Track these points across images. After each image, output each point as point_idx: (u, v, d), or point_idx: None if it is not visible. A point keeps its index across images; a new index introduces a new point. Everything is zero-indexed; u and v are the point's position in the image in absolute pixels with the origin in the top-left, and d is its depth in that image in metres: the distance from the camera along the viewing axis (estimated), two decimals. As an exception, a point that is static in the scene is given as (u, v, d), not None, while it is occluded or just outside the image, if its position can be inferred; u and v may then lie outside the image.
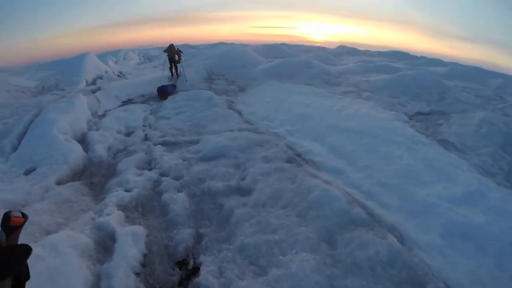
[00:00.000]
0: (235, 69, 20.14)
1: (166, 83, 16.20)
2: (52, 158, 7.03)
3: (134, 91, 15.13)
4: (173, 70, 18.34)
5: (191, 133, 8.89)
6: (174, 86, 15.78)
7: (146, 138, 9.05)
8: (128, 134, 9.49)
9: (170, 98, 13.52)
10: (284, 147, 7.32)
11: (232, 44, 45.06)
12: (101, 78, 19.83)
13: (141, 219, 5.14)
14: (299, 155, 7.15)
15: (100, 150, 7.91)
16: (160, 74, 19.02)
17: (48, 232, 4.52)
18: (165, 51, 17.97)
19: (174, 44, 18.02)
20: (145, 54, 47.26)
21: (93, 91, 13.94)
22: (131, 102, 13.76)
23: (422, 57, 43.98)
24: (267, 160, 6.50)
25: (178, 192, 5.73)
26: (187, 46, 46.66)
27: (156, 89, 14.59)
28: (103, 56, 31.55)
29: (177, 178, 6.23)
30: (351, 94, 13.71)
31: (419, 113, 12.00)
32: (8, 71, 18.78)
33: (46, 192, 5.76)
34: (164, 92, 14.35)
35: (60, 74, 18.83)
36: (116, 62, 33.87)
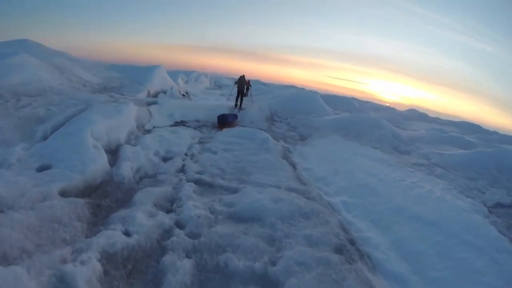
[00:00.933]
0: (300, 114, 19.11)
1: (227, 112, 15.64)
2: (69, 162, 6.26)
3: (190, 113, 14.52)
4: (238, 102, 18.14)
5: (232, 178, 7.68)
6: (235, 116, 15.38)
7: (182, 169, 8.09)
8: (165, 159, 8.63)
9: (225, 130, 12.67)
10: (336, 227, 5.79)
11: (302, 88, 44.53)
12: (164, 92, 19.63)
13: (123, 281, 3.87)
14: (353, 243, 5.56)
15: (126, 169, 7.01)
16: (224, 102, 18.51)
17: (4, 258, 3.54)
18: (235, 83, 18.14)
19: (246, 76, 18.03)
20: (217, 80, 48.13)
21: (149, 104, 13.41)
22: (184, 125, 13.17)
23: (495, 132, 38.49)
24: (311, 242, 5.03)
25: (186, 257, 4.42)
26: (259, 82, 46.89)
27: (214, 117, 14.20)
28: (175, 73, 31.82)
29: (192, 236, 4.95)
30: (423, 168, 11.89)
31: (499, 204, 9.85)
32: (77, 62, 18.95)
33: (42, 200, 4.86)
34: (223, 121, 13.84)
35: (126, 78, 18.82)
36: (186, 82, 34.31)
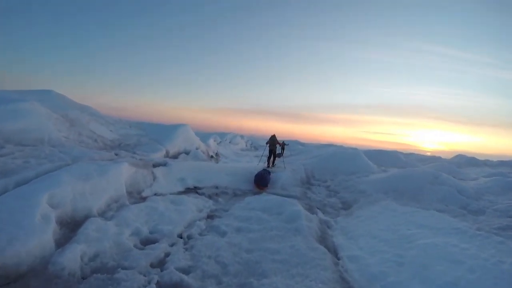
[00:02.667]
0: (341, 175, 16.37)
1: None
2: (-3, 233, 4.46)
3: (208, 178, 12.26)
4: (271, 161, 16.81)
5: (233, 284, 4.98)
6: (269, 173, 13.82)
7: (162, 261, 5.60)
8: (144, 243, 6.28)
9: (241, 204, 9.95)
10: None
11: (341, 146, 42.63)
12: (187, 153, 17.86)
13: None
14: None
15: (73, 255, 4.87)
16: (255, 164, 16.60)
17: None
18: (267, 142, 16.97)
19: (276, 135, 16.91)
20: (253, 142, 48.00)
21: (156, 165, 11.33)
22: (196, 192, 11.02)
23: None
24: None
25: None
26: (296, 142, 46.02)
27: (238, 182, 12.83)
28: (208, 135, 31.30)
29: None
30: (508, 232, 8.73)
31: None
32: (98, 117, 18.01)
33: None
34: (262, 182, 12.96)
35: (146, 137, 17.64)
36: (219, 143, 33.74)
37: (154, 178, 10.33)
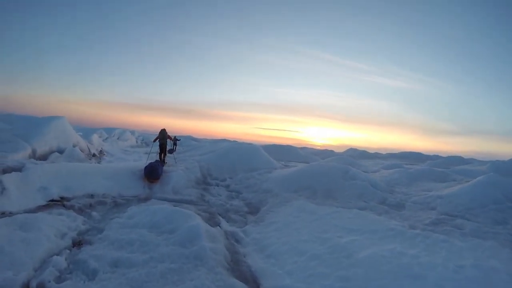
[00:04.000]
0: (241, 173, 14.40)
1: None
2: None
3: (81, 184, 9.34)
4: (162, 158, 15.05)
5: None
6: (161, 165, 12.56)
7: None
8: None
9: (128, 213, 7.45)
10: None
11: (235, 141, 41.86)
12: (60, 152, 14.21)
13: None
14: None
15: None
16: (144, 162, 14.16)
17: None
18: (155, 140, 15.62)
19: (167, 130, 15.19)
20: (145, 138, 45.23)
21: (7, 171, 8.18)
22: (63, 205, 8.03)
23: (436, 156, 42.94)
24: None
25: None
26: (189, 138, 44.21)
27: (120, 188, 10.11)
28: (92, 130, 27.77)
29: None
30: (446, 228, 7.84)
31: None
32: None
33: None
34: (153, 175, 11.31)
35: (9, 132, 13.57)
36: (106, 139, 30.21)
37: (2, 189, 7.17)
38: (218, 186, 12.59)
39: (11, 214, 6.63)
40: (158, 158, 14.99)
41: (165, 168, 12.96)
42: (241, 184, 12.81)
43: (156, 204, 8.47)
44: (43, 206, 7.68)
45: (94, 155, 18.02)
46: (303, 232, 7.12)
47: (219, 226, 7.27)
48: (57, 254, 5.28)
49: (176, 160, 16.24)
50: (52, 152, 13.73)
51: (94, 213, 7.69)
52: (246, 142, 33.77)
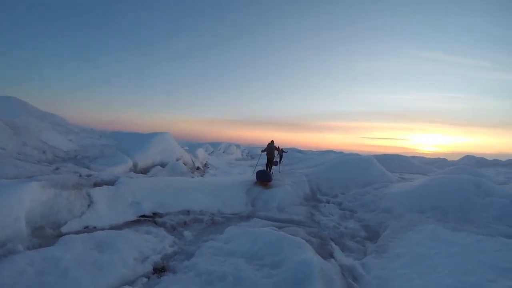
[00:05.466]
0: (354, 188, 12.89)
1: (251, 186, 11.72)
2: None
3: (176, 199, 9.01)
4: (268, 170, 15.01)
5: None
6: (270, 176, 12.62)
7: None
8: None
9: (216, 242, 6.34)
10: None
11: (341, 152, 40.06)
12: (163, 166, 14.47)
13: None
14: None
15: None
16: (247, 175, 14.75)
17: None
18: (263, 151, 15.49)
19: (275, 142, 15.35)
20: (250, 151, 45.98)
21: (98, 184, 8.17)
22: (154, 221, 7.66)
23: None
24: None
25: None
26: (295, 150, 43.50)
27: (221, 205, 9.55)
28: (198, 145, 28.78)
29: None
30: None
31: None
32: (61, 126, 15.00)
33: None
34: (265, 179, 12.06)
35: (114, 147, 14.42)
36: (211, 153, 31.23)
37: (90, 203, 7.05)
38: (329, 203, 11.27)
39: (94, 229, 6.28)
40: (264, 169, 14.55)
41: (272, 182, 12.15)
42: (355, 201, 11.30)
43: (259, 224, 7.60)
44: (132, 222, 7.32)
45: (198, 168, 18.15)
46: (442, 271, 5.48)
47: (333, 258, 6.00)
48: (131, 284, 4.62)
49: (281, 172, 15.86)
50: (154, 165, 13.93)
51: (186, 233, 7.08)
52: (357, 153, 31.76)
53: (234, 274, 4.74)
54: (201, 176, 16.05)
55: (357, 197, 11.78)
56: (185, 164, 16.29)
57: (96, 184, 7.92)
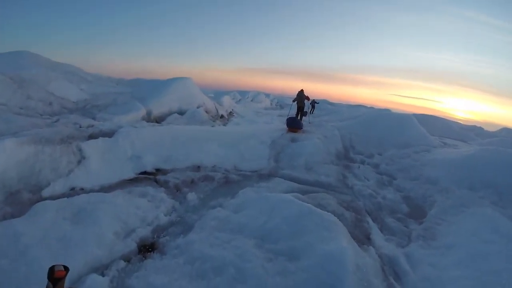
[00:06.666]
0: (392, 149, 11.34)
1: (277, 138, 10.45)
2: None
3: (185, 152, 7.87)
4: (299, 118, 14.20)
5: None
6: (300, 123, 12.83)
7: None
8: None
9: (222, 212, 5.15)
10: None
11: (371, 107, 38.04)
12: (181, 113, 13.26)
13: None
14: None
15: None
16: (274, 124, 14.76)
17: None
18: (294, 100, 14.75)
19: (304, 91, 14.49)
20: (279, 100, 44.36)
21: (94, 136, 7.15)
22: (155, 180, 6.57)
23: None
24: None
25: None
26: (326, 102, 41.59)
27: (237, 158, 8.34)
28: (225, 93, 27.46)
29: None
30: None
31: None
32: (73, 74, 13.90)
33: None
34: (295, 126, 12.25)
35: (128, 95, 13.28)
36: (239, 101, 29.82)
37: (81, 159, 6.01)
38: (363, 164, 9.85)
39: (82, 191, 5.22)
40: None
41: (297, 135, 10.80)
42: (394, 164, 9.84)
43: (280, 187, 6.35)
44: (129, 180, 6.27)
45: (222, 116, 16.90)
46: (509, 279, 4.16)
47: (371, 245, 4.70)
48: (105, 269, 3.59)
49: (311, 123, 14.76)
50: (171, 113, 12.75)
51: (191, 195, 5.92)
52: (389, 109, 29.60)
53: (236, 264, 3.57)
54: (224, 125, 14.82)
55: (395, 159, 10.29)
56: (207, 112, 15.07)
57: (91, 137, 6.84)
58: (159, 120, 11.99)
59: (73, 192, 5.32)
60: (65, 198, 4.81)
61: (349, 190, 7.21)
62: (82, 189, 5.48)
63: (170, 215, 5.15)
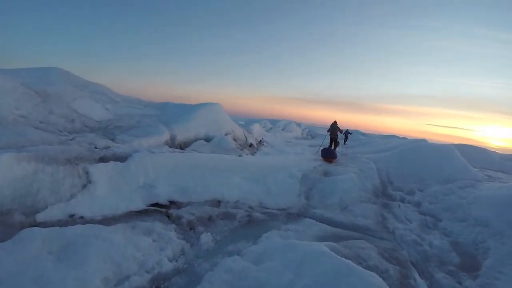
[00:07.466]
0: (434, 184, 10.43)
1: (308, 171, 9.83)
2: None
3: (205, 185, 7.29)
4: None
5: None
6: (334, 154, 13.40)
7: None
8: None
9: (239, 262, 4.30)
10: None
11: (404, 138, 36.79)
12: (208, 140, 12.87)
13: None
14: None
15: None
16: (305, 155, 14.60)
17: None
18: (328, 130, 15.20)
19: (338, 123, 14.97)
20: (311, 130, 44.00)
21: (106, 159, 6.71)
22: (167, 214, 5.94)
23: None
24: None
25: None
26: (358, 132, 40.95)
27: (261, 196, 7.59)
28: (256, 121, 27.17)
29: None
30: None
31: None
32: (100, 93, 13.79)
33: None
34: (330, 156, 12.92)
35: (155, 118, 13.08)
36: (269, 130, 29.43)
37: (87, 183, 5.50)
38: (403, 202, 9.03)
39: (81, 219, 4.74)
40: None
41: (330, 169, 10.14)
42: (437, 203, 8.92)
43: (311, 231, 5.68)
44: (137, 212, 5.71)
45: (251, 145, 16.41)
46: None
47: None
48: None
49: (344, 155, 14.70)
50: (196, 139, 12.35)
51: (205, 236, 5.26)
52: (424, 139, 28.21)
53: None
54: (252, 154, 14.30)
55: (439, 197, 9.37)
56: (235, 140, 14.63)
57: (102, 159, 6.40)
58: (184, 146, 11.60)
59: (71, 220, 4.87)
60: (58, 228, 4.31)
61: (390, 235, 6.45)
62: (82, 217, 5.02)
63: (176, 261, 4.51)
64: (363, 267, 4.25)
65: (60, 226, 4.40)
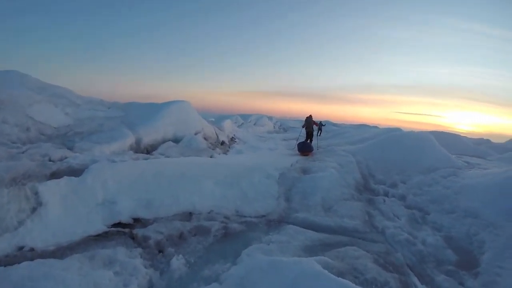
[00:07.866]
0: (416, 175, 10.10)
1: (286, 169, 9.42)
2: None
3: (173, 195, 6.46)
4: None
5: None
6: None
7: None
8: None
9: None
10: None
11: (375, 127, 37.25)
12: (176, 141, 12.14)
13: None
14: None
15: None
16: (280, 150, 15.57)
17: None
18: (303, 126, 15.51)
19: (312, 116, 15.24)
20: (282, 123, 43.62)
21: (59, 173, 5.92)
22: (131, 235, 5.12)
23: None
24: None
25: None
26: (329, 123, 41.09)
27: (237, 200, 6.93)
28: (227, 117, 26.53)
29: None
30: None
31: None
32: (60, 96, 12.92)
33: None
34: (306, 150, 13.61)
35: (117, 120, 12.27)
36: (241, 125, 28.96)
37: (37, 206, 4.70)
38: (388, 196, 8.60)
39: (31, 252, 3.99)
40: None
41: (309, 165, 9.66)
42: (423, 194, 8.52)
43: (296, 239, 5.09)
44: (96, 236, 4.85)
45: (222, 143, 15.79)
46: None
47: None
48: None
49: (319, 148, 15.15)
50: (164, 141, 11.58)
51: (176, 261, 4.47)
52: (397, 128, 28.23)
53: None
54: (224, 153, 13.64)
55: (423, 188, 8.99)
56: (205, 139, 13.91)
57: (54, 175, 5.59)
58: (151, 149, 10.80)
59: (19, 254, 4.02)
60: (2, 268, 3.54)
61: (380, 236, 5.95)
62: (32, 249, 4.16)
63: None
64: (361, 282, 3.71)
65: (6, 265, 3.62)
